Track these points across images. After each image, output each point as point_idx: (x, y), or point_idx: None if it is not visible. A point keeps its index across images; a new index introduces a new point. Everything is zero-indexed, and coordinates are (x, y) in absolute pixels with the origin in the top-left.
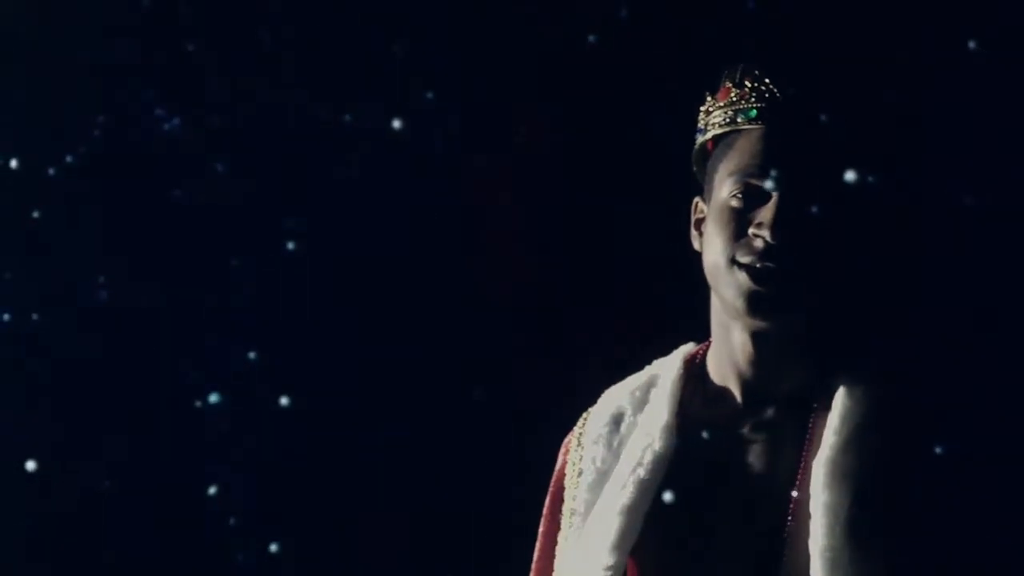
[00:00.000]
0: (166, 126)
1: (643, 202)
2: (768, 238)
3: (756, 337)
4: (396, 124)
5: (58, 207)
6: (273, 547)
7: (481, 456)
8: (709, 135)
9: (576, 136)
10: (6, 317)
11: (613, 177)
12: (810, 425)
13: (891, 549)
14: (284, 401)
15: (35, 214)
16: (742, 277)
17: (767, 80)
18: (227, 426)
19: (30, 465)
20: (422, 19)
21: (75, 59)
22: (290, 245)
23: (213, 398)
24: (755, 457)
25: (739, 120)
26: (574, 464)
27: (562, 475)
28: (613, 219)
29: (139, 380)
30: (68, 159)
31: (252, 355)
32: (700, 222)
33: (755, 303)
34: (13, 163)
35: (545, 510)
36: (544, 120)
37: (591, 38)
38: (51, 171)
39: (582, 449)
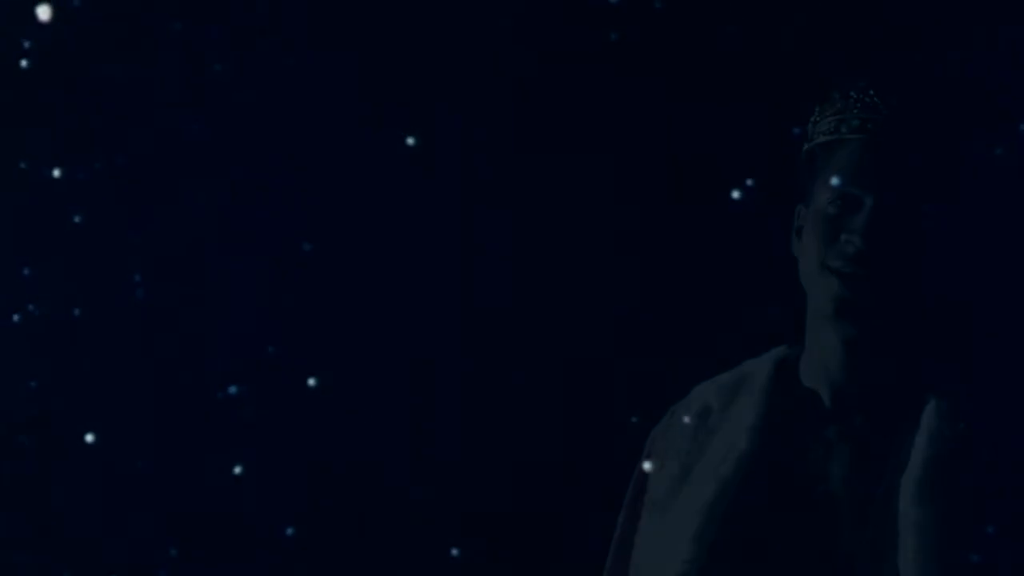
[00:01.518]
0: (187, 133)
1: (748, 205)
2: (859, 244)
3: (848, 344)
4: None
5: (95, 210)
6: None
7: (570, 450)
8: (814, 143)
9: (678, 136)
10: (38, 312)
11: (719, 180)
12: (897, 438)
13: (979, 568)
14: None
15: (76, 219)
16: (833, 282)
17: (871, 92)
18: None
19: (89, 437)
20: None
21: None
22: (306, 246)
23: (233, 389)
24: (839, 465)
25: (842, 130)
26: (658, 456)
27: None
28: (715, 222)
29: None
30: (97, 165)
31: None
32: (800, 229)
33: (844, 307)
34: (56, 172)
35: (626, 499)
36: (642, 117)
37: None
38: (81, 176)
39: (667, 442)
